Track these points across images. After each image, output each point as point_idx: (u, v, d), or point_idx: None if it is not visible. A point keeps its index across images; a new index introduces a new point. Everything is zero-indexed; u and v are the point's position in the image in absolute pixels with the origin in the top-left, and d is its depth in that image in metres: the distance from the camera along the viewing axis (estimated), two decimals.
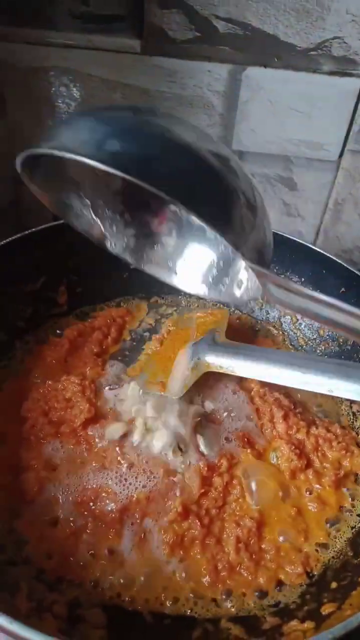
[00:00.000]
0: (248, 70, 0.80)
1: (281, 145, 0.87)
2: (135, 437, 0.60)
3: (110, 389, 0.67)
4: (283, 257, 0.75)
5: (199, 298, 0.83)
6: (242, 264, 0.51)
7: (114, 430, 0.61)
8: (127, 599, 0.51)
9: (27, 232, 0.69)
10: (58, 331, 0.74)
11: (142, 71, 0.82)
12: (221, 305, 0.83)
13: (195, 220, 0.45)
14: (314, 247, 0.71)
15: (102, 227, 0.56)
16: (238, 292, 0.52)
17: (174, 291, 0.83)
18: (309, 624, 0.46)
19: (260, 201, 0.41)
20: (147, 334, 0.76)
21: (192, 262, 0.56)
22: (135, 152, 0.35)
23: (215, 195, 0.37)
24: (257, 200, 0.40)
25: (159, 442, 0.60)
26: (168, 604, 0.51)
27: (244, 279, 0.51)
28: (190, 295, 0.84)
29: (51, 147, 0.36)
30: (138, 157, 0.35)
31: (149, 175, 0.34)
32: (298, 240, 0.73)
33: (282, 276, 0.76)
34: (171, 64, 0.81)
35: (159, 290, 0.83)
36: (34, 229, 0.70)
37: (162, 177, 0.35)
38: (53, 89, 0.85)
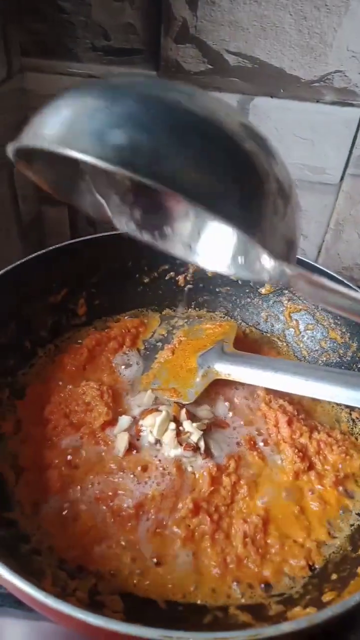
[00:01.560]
0: (256, 100, 0.86)
1: None
2: (150, 439, 0.65)
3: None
4: None
5: (208, 311, 0.89)
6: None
7: (124, 422, 0.66)
8: (142, 588, 0.55)
9: (50, 248, 0.75)
10: (78, 340, 0.79)
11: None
12: (229, 318, 0.88)
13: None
14: (316, 265, 0.76)
15: (107, 209, 0.49)
16: (261, 270, 0.45)
17: (185, 304, 0.88)
18: (310, 609, 0.50)
19: (291, 183, 0.35)
20: (159, 343, 0.81)
21: (211, 240, 0.49)
22: (146, 144, 0.29)
23: (247, 191, 0.31)
24: (290, 185, 0.34)
25: (171, 443, 0.64)
26: (180, 592, 0.55)
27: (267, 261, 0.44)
28: (200, 308, 0.89)
29: (42, 139, 0.31)
30: (150, 150, 0.29)
31: (162, 174, 0.28)
32: (301, 257, 0.78)
33: (286, 291, 0.82)
34: None
35: (170, 303, 0.88)
36: (56, 246, 0.75)
37: (178, 175, 0.29)
38: None
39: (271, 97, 0.86)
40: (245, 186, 0.31)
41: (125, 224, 0.49)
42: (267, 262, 0.43)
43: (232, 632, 0.39)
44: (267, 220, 0.32)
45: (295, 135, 0.89)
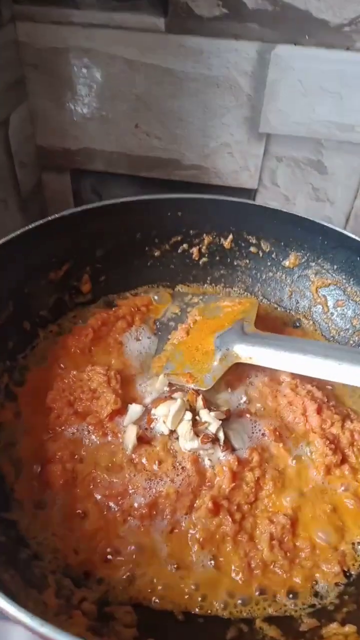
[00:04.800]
0: (277, 48, 0.77)
1: (311, 127, 0.83)
2: (163, 430, 0.58)
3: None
4: (314, 243, 0.72)
5: (225, 287, 0.81)
6: None
7: (134, 412, 0.59)
8: (156, 597, 0.49)
9: (50, 218, 0.67)
10: (81, 321, 0.72)
11: (166, 51, 0.79)
12: (249, 295, 0.80)
13: None
14: (349, 234, 0.68)
15: None
16: None
17: (200, 279, 0.81)
18: (350, 628, 0.44)
19: None
20: (172, 323, 0.74)
21: None
22: None
23: None
24: None
25: (187, 435, 0.57)
26: (199, 602, 0.49)
27: None
28: (216, 283, 0.81)
29: None
30: None
31: None
32: (331, 226, 0.69)
33: (313, 263, 0.74)
34: (197, 43, 0.77)
35: (183, 279, 0.81)
36: (56, 215, 0.68)
37: None
38: (74, 70, 0.82)
39: (295, 44, 0.76)
40: None
41: None
42: None
43: None
44: None
45: (322, 89, 0.79)
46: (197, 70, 0.81)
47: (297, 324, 0.77)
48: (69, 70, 0.82)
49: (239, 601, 0.50)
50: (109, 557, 0.51)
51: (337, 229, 0.69)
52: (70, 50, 0.80)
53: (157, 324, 0.75)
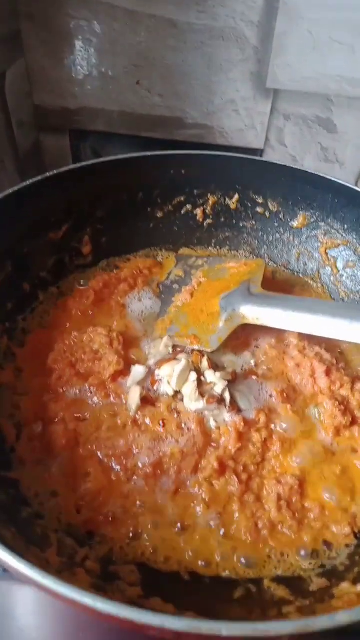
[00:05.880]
0: None
1: (321, 82, 0.80)
2: (168, 390, 0.57)
3: None
4: (324, 202, 0.70)
5: (230, 249, 0.78)
6: None
7: (137, 373, 0.57)
8: (161, 557, 0.48)
9: (47, 174, 0.64)
10: (83, 281, 0.70)
11: (169, 0, 0.75)
12: (255, 257, 0.77)
13: None
14: (357, 189, 0.65)
15: None
16: None
17: (204, 242, 0.78)
18: None
19: None
20: (176, 286, 0.72)
21: None
22: None
23: None
24: None
25: (192, 395, 0.56)
26: (205, 562, 0.48)
27: None
28: (221, 246, 0.79)
29: None
30: None
31: None
32: (343, 182, 0.66)
33: (323, 223, 0.71)
34: None
35: (187, 241, 0.78)
36: (55, 171, 0.65)
37: None
38: (73, 23, 0.78)
39: None
40: None
41: None
42: None
43: (273, 623, 0.31)
44: None
45: (333, 40, 0.76)
46: (201, 21, 0.77)
47: (305, 287, 0.74)
48: (67, 22, 0.78)
49: (246, 561, 0.49)
50: (112, 516, 0.50)
51: (350, 185, 0.66)
52: (69, 0, 0.76)
53: (161, 287, 0.72)
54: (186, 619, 0.31)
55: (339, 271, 0.72)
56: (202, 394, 0.56)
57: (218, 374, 0.58)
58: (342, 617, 0.31)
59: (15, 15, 0.77)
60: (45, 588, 0.33)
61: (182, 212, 0.76)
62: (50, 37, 0.80)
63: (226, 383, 0.57)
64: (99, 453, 0.53)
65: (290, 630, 0.30)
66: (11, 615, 0.50)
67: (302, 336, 0.63)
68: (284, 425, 0.56)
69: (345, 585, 0.43)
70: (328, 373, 0.60)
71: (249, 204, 0.75)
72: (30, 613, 0.50)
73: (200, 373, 0.58)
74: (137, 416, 0.55)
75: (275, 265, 0.77)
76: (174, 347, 0.62)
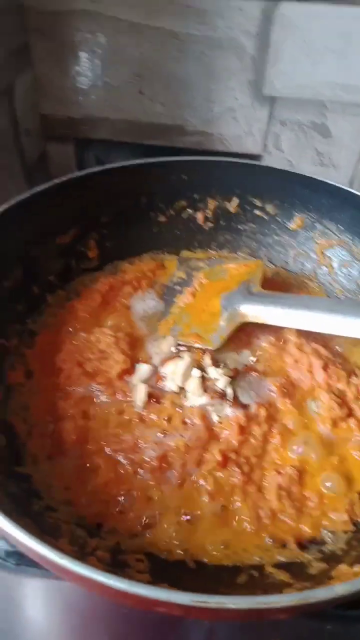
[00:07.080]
0: (282, 6, 0.76)
1: (315, 89, 0.82)
2: (172, 387, 0.59)
3: None
4: (319, 204, 0.72)
5: (230, 251, 0.81)
6: None
7: (143, 371, 0.60)
8: (168, 546, 0.51)
9: (55, 181, 0.67)
10: (90, 283, 0.72)
11: (171, 12, 0.78)
12: (254, 259, 0.80)
13: None
14: (355, 192, 0.67)
15: None
16: None
17: (205, 244, 0.81)
18: (359, 568, 0.44)
19: None
20: (179, 287, 0.74)
21: None
22: None
23: None
24: None
25: (196, 391, 0.58)
26: (210, 551, 0.51)
27: None
28: (221, 248, 0.81)
29: None
30: None
31: None
32: (337, 184, 0.69)
33: (319, 224, 0.73)
34: (201, 2, 0.76)
35: (188, 244, 0.81)
36: (63, 178, 0.68)
37: None
38: (79, 35, 0.81)
39: (299, 0, 0.75)
40: None
41: None
42: None
43: (276, 596, 0.33)
44: None
45: (326, 47, 0.78)
46: (201, 32, 0.80)
47: (303, 287, 0.77)
48: (73, 34, 0.81)
49: (249, 549, 0.51)
50: (121, 508, 0.52)
51: (343, 187, 0.69)
52: (74, 13, 0.79)
53: (164, 289, 0.75)
54: (194, 594, 0.33)
55: (334, 270, 0.74)
56: (205, 390, 0.59)
57: (220, 370, 0.61)
58: (339, 589, 0.33)
59: (24, 29, 0.80)
60: (62, 569, 0.36)
61: (184, 216, 0.79)
62: (56, 49, 0.83)
63: (228, 379, 0.60)
64: (107, 448, 0.56)
65: (292, 602, 0.32)
66: (21, 606, 0.52)
67: (300, 334, 0.65)
68: (284, 419, 0.59)
69: (343, 567, 0.45)
70: (325, 368, 0.62)
71: (248, 208, 0.78)
72: (39, 604, 0.53)
73: (203, 370, 0.61)
74: (144, 412, 0.58)
75: (273, 266, 0.79)
76: (178, 345, 0.65)
